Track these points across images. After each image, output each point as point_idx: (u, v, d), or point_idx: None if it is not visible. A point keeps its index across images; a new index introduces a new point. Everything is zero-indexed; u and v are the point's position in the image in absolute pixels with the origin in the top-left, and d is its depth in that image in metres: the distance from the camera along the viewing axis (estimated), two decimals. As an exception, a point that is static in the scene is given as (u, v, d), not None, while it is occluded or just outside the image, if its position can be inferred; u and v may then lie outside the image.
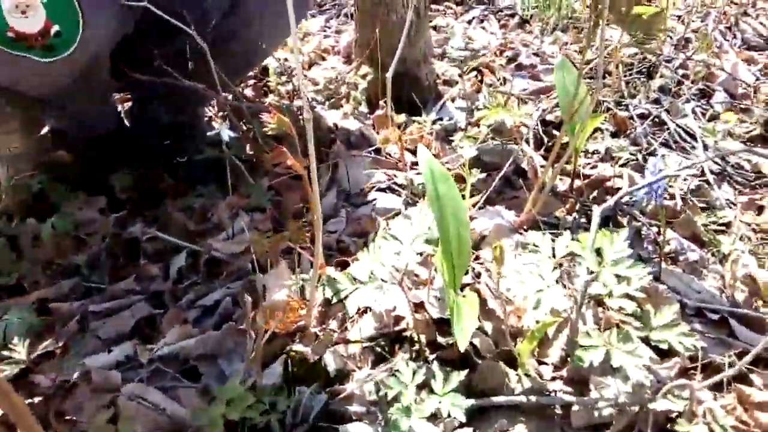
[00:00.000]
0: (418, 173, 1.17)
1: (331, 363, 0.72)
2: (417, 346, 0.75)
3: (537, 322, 0.77)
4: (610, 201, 0.78)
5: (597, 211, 0.75)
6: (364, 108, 1.46)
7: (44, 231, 0.94)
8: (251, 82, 1.52)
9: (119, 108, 1.27)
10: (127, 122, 1.23)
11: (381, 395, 0.60)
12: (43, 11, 0.82)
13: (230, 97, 1.18)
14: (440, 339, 0.76)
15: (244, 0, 1.03)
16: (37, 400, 0.70)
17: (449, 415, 0.57)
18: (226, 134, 0.95)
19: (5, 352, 0.69)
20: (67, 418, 0.69)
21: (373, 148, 1.22)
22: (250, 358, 0.63)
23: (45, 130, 1.10)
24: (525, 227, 1.02)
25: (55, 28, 0.84)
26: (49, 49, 0.85)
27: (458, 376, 0.60)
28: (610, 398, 0.67)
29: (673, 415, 0.66)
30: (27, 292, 0.90)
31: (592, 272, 0.71)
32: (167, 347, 0.76)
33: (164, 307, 0.87)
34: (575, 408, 0.67)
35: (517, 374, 0.69)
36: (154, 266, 0.96)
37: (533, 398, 0.67)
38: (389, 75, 1.11)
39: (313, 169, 0.65)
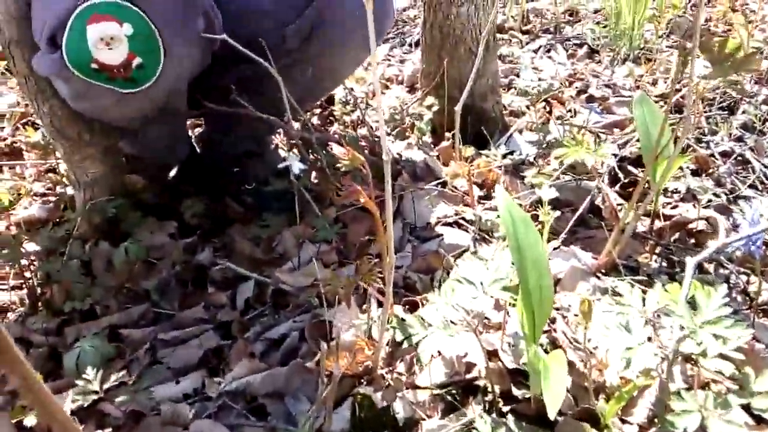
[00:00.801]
0: (486, 209, 1.14)
1: (400, 410, 0.69)
2: (490, 397, 0.72)
3: (621, 378, 0.72)
4: (706, 252, 0.72)
5: (690, 263, 0.70)
6: (428, 138, 1.44)
7: (117, 256, 0.96)
8: (317, 111, 1.53)
9: (190, 134, 1.30)
10: (198, 149, 1.26)
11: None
12: (126, 43, 0.84)
13: (298, 126, 1.19)
14: (515, 390, 0.72)
15: (324, 27, 1.03)
16: (107, 431, 0.70)
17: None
18: (297, 166, 0.95)
19: (79, 382, 0.69)
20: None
21: (440, 181, 1.19)
22: (321, 400, 0.61)
23: (121, 156, 1.12)
24: (603, 270, 0.97)
25: (138, 60, 0.86)
26: (131, 81, 0.87)
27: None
28: (706, 470, 0.61)
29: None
30: (98, 317, 0.91)
31: (683, 328, 0.66)
32: (235, 382, 0.75)
33: (232, 338, 0.87)
34: (666, 478, 0.61)
35: (601, 436, 0.64)
36: (222, 294, 0.96)
37: (619, 464, 0.62)
38: (458, 108, 1.09)
39: (389, 211, 0.64)
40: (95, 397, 0.66)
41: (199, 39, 0.90)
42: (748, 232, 0.73)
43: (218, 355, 0.84)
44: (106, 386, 0.68)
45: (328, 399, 0.59)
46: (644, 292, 0.73)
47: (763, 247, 0.78)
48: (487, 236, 1.06)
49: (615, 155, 1.25)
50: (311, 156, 1.14)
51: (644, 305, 0.68)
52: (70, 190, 1.15)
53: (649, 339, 0.66)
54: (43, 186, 1.27)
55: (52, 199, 1.23)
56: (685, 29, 0.77)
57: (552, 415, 0.53)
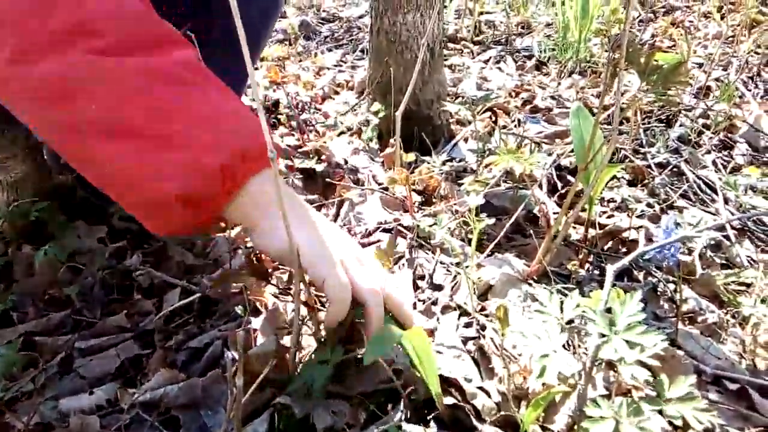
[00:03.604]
0: (426, 215, 1.13)
1: (319, 420, 0.67)
2: (413, 405, 0.71)
3: (544, 385, 0.72)
4: (624, 260, 0.73)
5: (610, 271, 0.71)
6: (374, 145, 1.44)
7: (37, 259, 0.92)
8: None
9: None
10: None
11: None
12: None
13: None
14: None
15: None
16: (9, 443, 0.66)
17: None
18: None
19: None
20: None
21: (382, 186, 1.19)
22: (231, 414, 0.59)
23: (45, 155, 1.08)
24: (534, 278, 0.97)
25: None
26: None
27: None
28: (618, 477, 0.61)
29: (688, 500, 0.61)
30: (14, 323, 0.87)
31: (603, 335, 0.66)
32: (150, 393, 0.72)
33: (153, 347, 0.84)
34: (580, 485, 0.62)
35: (518, 443, 0.64)
36: (147, 302, 0.93)
37: (535, 472, 0.62)
38: (399, 113, 1.09)
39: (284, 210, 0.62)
40: (-5, 408, 0.63)
41: None
42: (664, 241, 0.74)
43: (137, 366, 0.81)
44: (7, 397, 0.64)
45: (236, 410, 0.57)
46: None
47: (677, 257, 0.80)
48: (424, 242, 1.06)
49: (551, 164, 1.27)
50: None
51: (562, 312, 0.68)
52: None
53: (568, 345, 0.66)
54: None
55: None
56: (618, 42, 0.79)
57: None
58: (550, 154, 1.37)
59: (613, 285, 0.71)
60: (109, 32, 0.65)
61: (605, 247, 1.10)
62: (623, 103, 1.53)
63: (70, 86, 0.64)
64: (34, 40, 0.63)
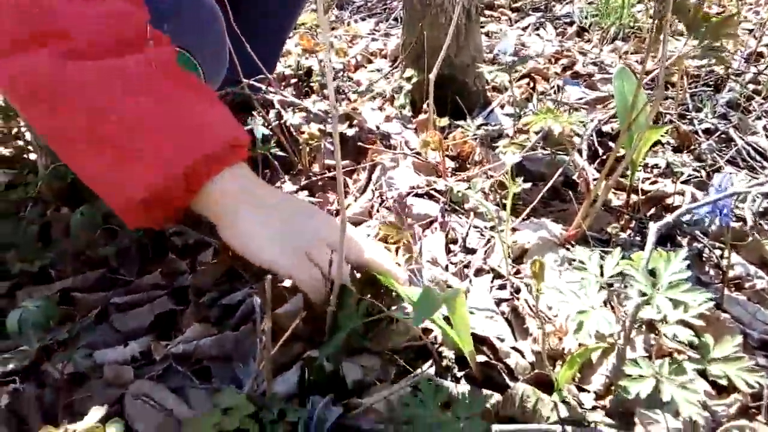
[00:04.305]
0: (459, 180, 1.11)
1: (349, 373, 0.67)
2: (445, 362, 0.70)
3: (581, 346, 0.70)
4: (669, 217, 0.70)
5: (653, 228, 0.67)
6: (408, 112, 1.41)
7: (73, 220, 0.93)
8: (293, 81, 1.50)
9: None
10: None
11: (396, 413, 0.55)
12: None
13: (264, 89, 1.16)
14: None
15: None
16: (46, 391, 0.68)
17: (471, 443, 0.51)
18: (260, 130, 0.92)
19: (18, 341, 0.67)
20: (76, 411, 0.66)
21: (414, 151, 1.17)
22: (261, 365, 0.59)
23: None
24: (573, 242, 0.94)
25: None
26: None
27: (485, 398, 0.54)
28: (658, 437, 0.59)
29: (733, 461, 0.58)
30: (52, 280, 0.88)
31: (644, 295, 0.63)
32: (183, 345, 0.73)
33: (187, 304, 0.84)
34: (617, 445, 0.59)
35: (552, 400, 0.62)
36: (182, 261, 0.94)
37: (569, 429, 0.60)
38: (432, 75, 1.06)
39: (339, 168, 0.61)
40: (32, 357, 0.64)
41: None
42: (715, 197, 0.70)
43: (171, 321, 0.81)
44: (42, 345, 0.65)
45: (265, 359, 0.56)
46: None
47: (730, 216, 0.76)
48: (457, 207, 1.04)
49: (593, 129, 1.23)
50: (276, 120, 1.11)
51: (602, 271, 0.65)
52: (33, 156, 1.12)
53: (606, 304, 0.64)
54: (9, 152, 1.24)
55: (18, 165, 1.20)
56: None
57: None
58: (591, 120, 1.33)
59: (656, 249, 0.68)
60: (78, 34, 0.66)
61: (648, 213, 1.05)
62: (669, 67, 1.47)
63: (36, 89, 0.65)
64: (2, 39, 0.65)
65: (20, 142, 1.25)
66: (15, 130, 1.28)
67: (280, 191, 0.79)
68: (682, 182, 1.13)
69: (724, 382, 0.58)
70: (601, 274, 0.66)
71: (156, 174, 0.67)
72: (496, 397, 0.63)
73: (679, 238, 0.98)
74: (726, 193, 0.70)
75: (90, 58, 0.65)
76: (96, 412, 0.50)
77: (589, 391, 0.67)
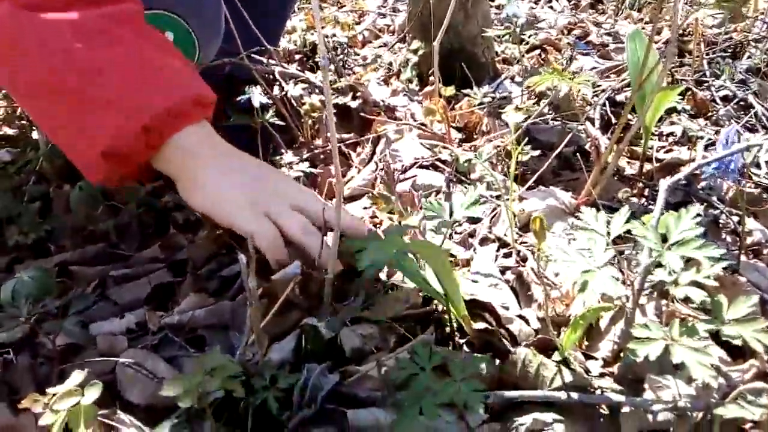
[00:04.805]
0: (464, 150, 1.08)
1: (347, 341, 0.64)
2: (448, 329, 0.67)
3: (589, 311, 0.67)
4: (679, 174, 0.66)
5: (663, 185, 0.64)
6: (415, 86, 1.38)
7: (72, 195, 0.92)
8: (298, 57, 1.47)
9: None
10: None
11: (391, 377, 0.52)
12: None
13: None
14: (474, 324, 0.67)
15: None
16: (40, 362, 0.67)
17: (466, 406, 0.48)
18: (258, 99, 0.90)
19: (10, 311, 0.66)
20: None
21: (419, 123, 1.14)
22: (250, 329, 0.57)
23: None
24: (582, 210, 0.91)
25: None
26: None
27: (480, 361, 0.51)
28: (668, 401, 0.56)
29: (746, 425, 0.55)
30: (51, 254, 0.88)
31: (652, 253, 0.60)
32: (179, 315, 0.71)
33: (185, 276, 0.83)
34: (625, 410, 0.57)
35: (556, 365, 0.59)
36: (182, 236, 0.92)
37: (575, 395, 0.57)
38: (436, 43, 1.03)
39: (333, 137, 0.58)
40: (26, 327, 0.63)
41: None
42: (722, 153, 0.67)
43: (168, 293, 0.80)
44: (36, 316, 0.64)
45: (255, 325, 0.55)
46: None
47: (737, 172, 0.72)
48: (463, 178, 1.01)
49: (605, 98, 1.18)
50: (276, 90, 1.09)
51: (609, 230, 0.62)
52: (36, 134, 1.11)
53: (613, 265, 0.61)
54: (14, 131, 1.24)
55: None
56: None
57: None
58: (603, 90, 1.28)
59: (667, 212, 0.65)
60: None
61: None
62: (683, 31, 1.41)
63: None
64: None
65: (24, 122, 1.25)
66: (19, 110, 1.28)
67: (243, 153, 0.79)
68: (697, 151, 1.08)
69: (738, 342, 0.54)
70: (608, 234, 0.63)
71: (117, 125, 0.66)
72: (496, 361, 0.60)
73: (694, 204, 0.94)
74: (732, 150, 0.66)
75: (50, 11, 0.64)
76: (77, 376, 0.49)
77: (596, 358, 0.65)
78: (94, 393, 0.48)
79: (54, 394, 0.50)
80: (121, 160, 0.69)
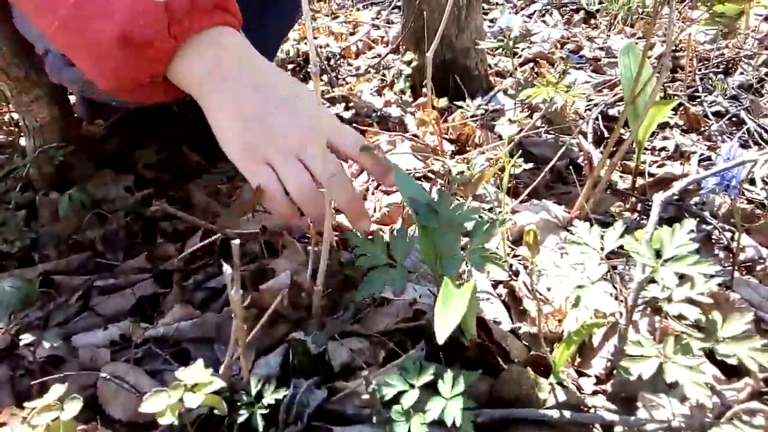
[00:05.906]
0: (457, 162, 1.07)
1: (336, 356, 0.63)
2: (436, 344, 0.66)
3: (582, 327, 0.66)
4: (673, 188, 0.66)
5: (657, 200, 0.63)
6: (408, 97, 1.38)
7: (61, 203, 0.91)
8: (290, 66, 1.46)
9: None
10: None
11: (380, 395, 0.51)
12: None
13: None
14: (465, 340, 0.66)
15: None
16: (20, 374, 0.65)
17: (455, 425, 0.47)
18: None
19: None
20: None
21: (412, 134, 1.13)
22: (234, 343, 0.55)
23: (72, 100, 1.07)
24: (575, 224, 0.90)
25: None
26: None
27: (470, 378, 0.50)
28: (662, 420, 0.55)
29: (742, 447, 0.54)
30: (35, 263, 0.86)
31: (645, 269, 0.59)
32: (163, 328, 0.70)
33: (172, 287, 0.81)
34: (618, 429, 0.55)
35: (549, 384, 0.58)
36: (170, 245, 0.91)
37: (567, 414, 0.56)
38: (430, 54, 1.02)
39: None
40: (6, 338, 0.61)
41: None
42: (723, 167, 0.66)
43: (154, 304, 0.78)
44: (15, 328, 0.62)
45: (239, 339, 0.53)
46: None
47: (738, 187, 0.71)
48: (455, 188, 1.00)
49: (598, 112, 1.18)
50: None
51: (603, 244, 0.61)
52: (24, 141, 1.09)
53: (606, 280, 0.60)
54: (2, 137, 1.22)
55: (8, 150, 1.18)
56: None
57: (441, 338, 0.47)
58: (596, 104, 1.28)
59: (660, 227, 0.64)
60: None
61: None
62: (676, 48, 1.42)
63: None
64: None
65: (13, 128, 1.23)
66: (7, 116, 1.26)
67: (278, 69, 0.72)
68: (691, 165, 1.08)
69: (733, 361, 0.54)
70: (602, 249, 0.62)
71: (138, 2, 0.60)
72: (488, 378, 0.59)
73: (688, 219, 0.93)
74: (735, 162, 0.65)
75: None
76: (57, 389, 0.47)
77: (589, 376, 0.64)
78: (74, 408, 0.46)
79: (33, 408, 0.49)
80: (138, 48, 0.62)
